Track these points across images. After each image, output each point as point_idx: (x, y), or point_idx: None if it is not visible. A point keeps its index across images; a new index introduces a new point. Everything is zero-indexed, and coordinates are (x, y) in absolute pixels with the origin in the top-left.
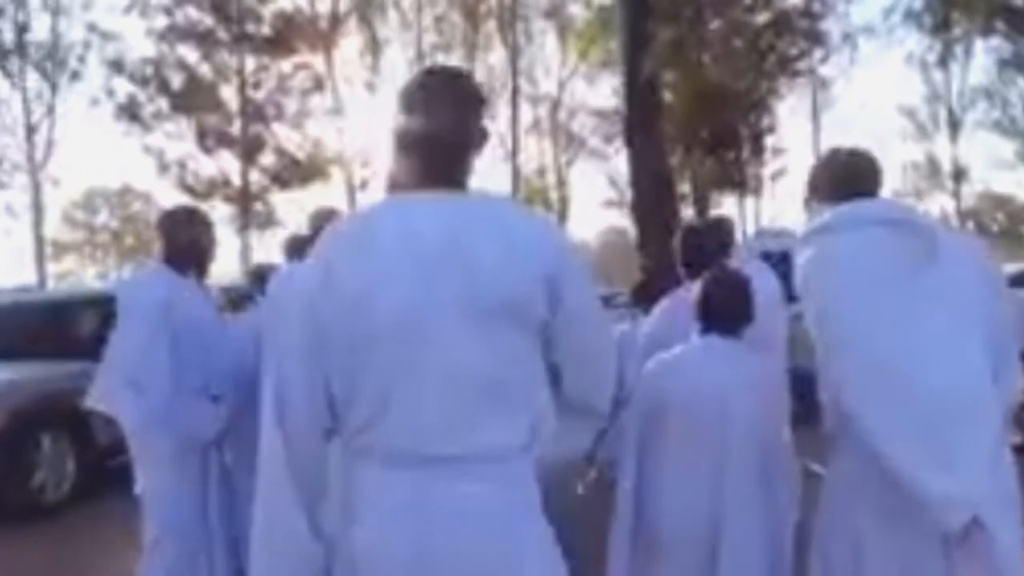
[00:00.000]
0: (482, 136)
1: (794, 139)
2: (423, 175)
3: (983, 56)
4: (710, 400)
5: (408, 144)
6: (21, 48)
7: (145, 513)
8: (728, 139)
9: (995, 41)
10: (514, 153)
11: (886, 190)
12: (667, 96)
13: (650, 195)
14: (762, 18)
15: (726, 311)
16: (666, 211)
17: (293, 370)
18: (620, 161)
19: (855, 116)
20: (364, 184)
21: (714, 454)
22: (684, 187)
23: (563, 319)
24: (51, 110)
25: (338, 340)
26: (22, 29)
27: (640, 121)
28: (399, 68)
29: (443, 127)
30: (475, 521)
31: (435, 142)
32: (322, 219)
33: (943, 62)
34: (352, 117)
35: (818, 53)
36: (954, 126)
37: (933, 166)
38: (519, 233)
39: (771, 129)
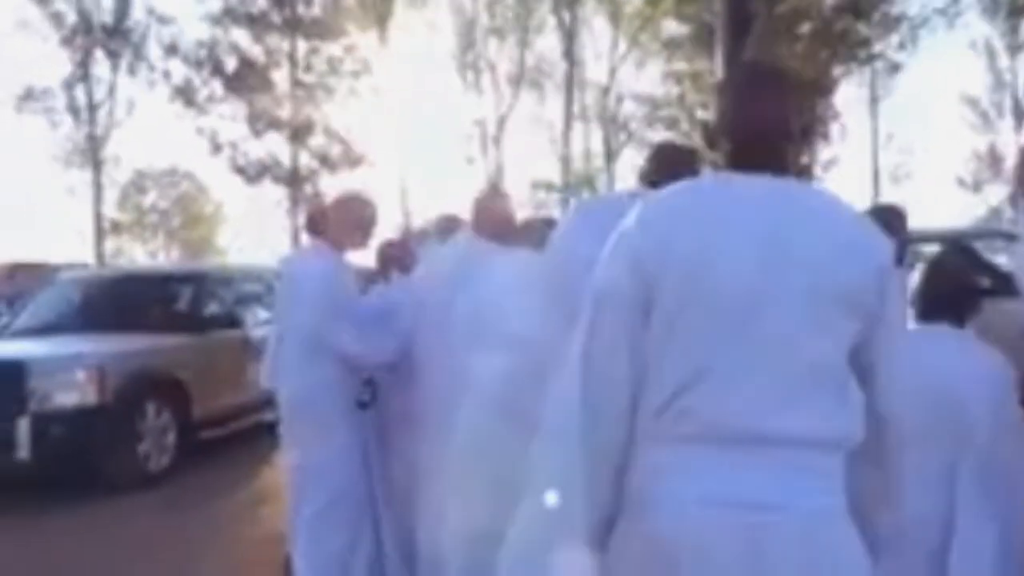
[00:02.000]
0: (801, 132)
1: (850, 128)
2: (750, 164)
3: None
4: (942, 391)
5: (737, 134)
6: (87, 30)
7: (302, 485)
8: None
9: None
10: (567, 139)
11: (948, 179)
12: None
13: None
14: (832, 1)
15: (954, 298)
16: None
17: (610, 327)
18: None
19: (914, 104)
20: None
21: (946, 448)
22: None
23: (884, 317)
24: (112, 91)
25: (665, 303)
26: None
27: None
28: (450, 52)
29: (771, 119)
30: (810, 518)
31: (764, 133)
32: (449, 223)
33: (1014, 49)
34: (400, 101)
35: (893, 38)
36: (1019, 116)
37: (995, 156)
38: (852, 226)
39: (835, 116)
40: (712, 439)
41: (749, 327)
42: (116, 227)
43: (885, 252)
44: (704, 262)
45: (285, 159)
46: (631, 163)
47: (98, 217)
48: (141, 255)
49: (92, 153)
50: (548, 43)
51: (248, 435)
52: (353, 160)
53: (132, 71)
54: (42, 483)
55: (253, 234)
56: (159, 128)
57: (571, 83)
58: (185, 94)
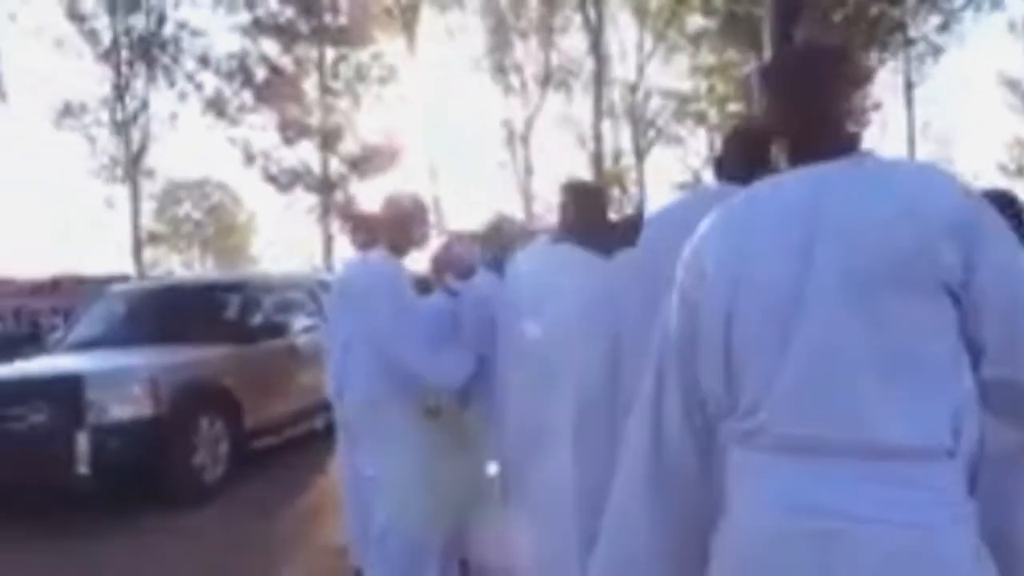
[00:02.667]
0: (862, 111)
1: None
2: (801, 151)
3: None
4: None
5: (787, 122)
6: (129, 45)
7: (370, 497)
8: None
9: None
10: (596, 137)
11: (989, 166)
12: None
13: None
14: None
15: None
16: None
17: (667, 369)
18: (696, 142)
19: (951, 90)
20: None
21: None
22: None
23: (985, 277)
24: (146, 105)
25: (710, 327)
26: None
27: None
28: (477, 55)
29: (827, 102)
30: (894, 534)
31: (818, 118)
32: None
33: None
34: (428, 104)
35: (932, 20)
36: None
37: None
38: (906, 188)
39: (874, 106)
40: (788, 449)
41: (795, 335)
42: (154, 238)
43: (953, 208)
44: (739, 278)
45: (316, 166)
46: (660, 160)
47: (136, 229)
48: (177, 265)
49: (129, 166)
50: (574, 42)
51: (299, 444)
52: (383, 165)
53: (171, 83)
54: (100, 498)
55: (286, 242)
56: (193, 140)
57: (600, 80)
58: (217, 105)
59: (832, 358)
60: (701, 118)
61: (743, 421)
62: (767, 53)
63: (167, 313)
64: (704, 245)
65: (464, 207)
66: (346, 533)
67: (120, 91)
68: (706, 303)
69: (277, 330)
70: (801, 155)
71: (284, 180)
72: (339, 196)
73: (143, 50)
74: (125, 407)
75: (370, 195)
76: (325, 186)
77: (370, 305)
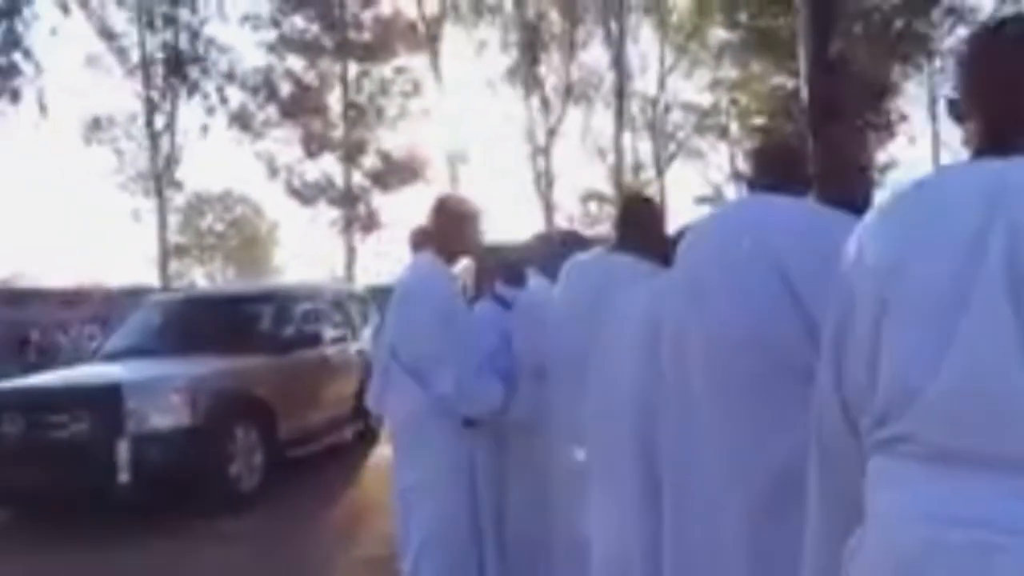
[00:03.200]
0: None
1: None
2: (991, 142)
3: None
4: None
5: (979, 104)
6: (166, 62)
7: (410, 513)
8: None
9: None
10: (617, 150)
11: None
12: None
13: (841, 183)
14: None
15: None
16: (858, 200)
17: (823, 364)
18: (717, 157)
19: None
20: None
21: None
22: None
23: None
24: (174, 120)
25: (861, 316)
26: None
27: (829, 105)
28: (500, 68)
29: None
30: None
31: (1018, 111)
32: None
33: None
34: (453, 117)
35: (960, 31)
36: None
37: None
38: None
39: (901, 119)
40: (941, 460)
41: (954, 336)
42: (179, 250)
43: None
44: (897, 268)
45: (338, 180)
46: (681, 174)
47: (163, 241)
48: (200, 277)
49: (156, 180)
50: (595, 55)
51: (330, 453)
52: (406, 179)
53: (203, 95)
54: (140, 506)
55: (308, 254)
56: (217, 154)
57: (621, 94)
58: (242, 120)
59: (994, 364)
60: (723, 132)
61: (886, 426)
62: (801, 68)
63: (202, 323)
64: (866, 232)
65: (486, 218)
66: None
67: (149, 106)
68: (860, 290)
69: (309, 340)
70: (990, 146)
71: (307, 193)
72: (361, 209)
73: (172, 66)
74: (164, 416)
75: (392, 209)
76: (348, 199)
77: (409, 312)
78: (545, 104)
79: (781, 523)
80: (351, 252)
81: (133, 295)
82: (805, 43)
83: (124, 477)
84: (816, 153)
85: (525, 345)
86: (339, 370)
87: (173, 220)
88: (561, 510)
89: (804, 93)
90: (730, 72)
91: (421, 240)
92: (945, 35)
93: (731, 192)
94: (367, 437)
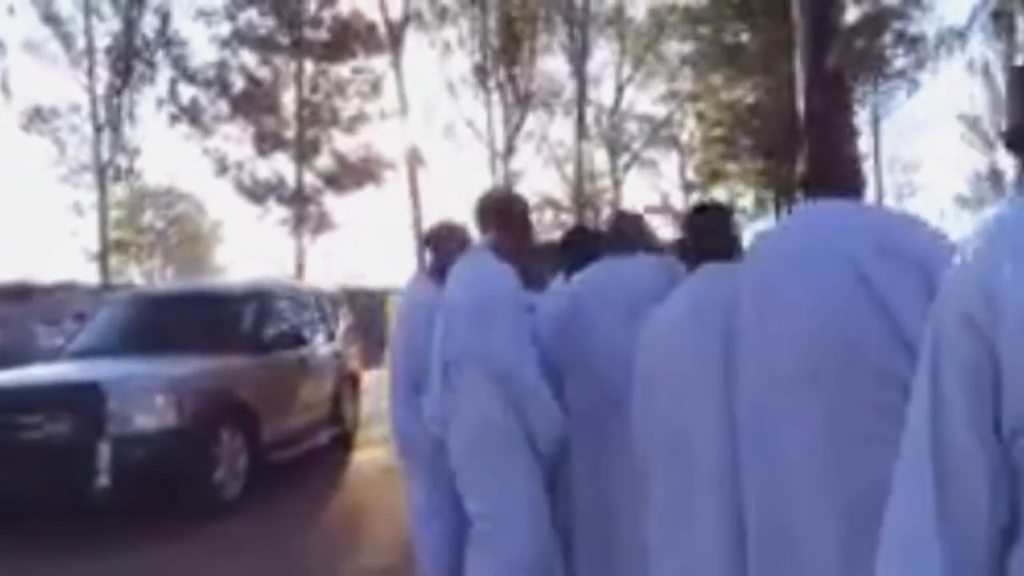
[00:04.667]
0: None
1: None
2: None
3: None
4: None
5: None
6: (92, 50)
7: (477, 544)
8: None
9: None
10: (579, 159)
11: (949, 198)
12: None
13: (838, 192)
14: (851, 17)
15: None
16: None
17: (949, 391)
18: (667, 166)
19: (913, 124)
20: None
21: None
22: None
23: None
24: (118, 110)
25: (1011, 365)
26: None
27: (825, 116)
28: (462, 72)
29: None
30: None
31: None
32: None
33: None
34: (412, 120)
35: (909, 57)
36: None
37: (996, 174)
38: None
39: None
40: None
41: None
42: (120, 246)
43: None
44: None
45: (290, 179)
46: (634, 183)
47: (105, 236)
48: (136, 275)
49: (99, 173)
50: (555, 64)
51: (310, 458)
52: (360, 180)
53: (152, 85)
54: (120, 512)
55: (253, 253)
56: (161, 148)
57: (582, 103)
58: (191, 114)
59: None
60: (674, 142)
61: None
62: (798, 79)
63: (180, 321)
64: (991, 270)
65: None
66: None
67: (95, 97)
68: (1004, 337)
69: (290, 341)
70: None
71: (258, 192)
72: (313, 210)
73: (119, 56)
74: (148, 417)
75: (344, 210)
76: (299, 199)
77: (486, 322)
78: (506, 110)
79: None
80: (301, 252)
81: (68, 291)
82: (803, 55)
83: (104, 481)
84: (810, 164)
85: (553, 352)
86: (318, 372)
87: (112, 216)
88: (626, 516)
89: (800, 104)
90: (686, 84)
91: (446, 238)
92: (892, 58)
93: (679, 201)
94: (343, 441)
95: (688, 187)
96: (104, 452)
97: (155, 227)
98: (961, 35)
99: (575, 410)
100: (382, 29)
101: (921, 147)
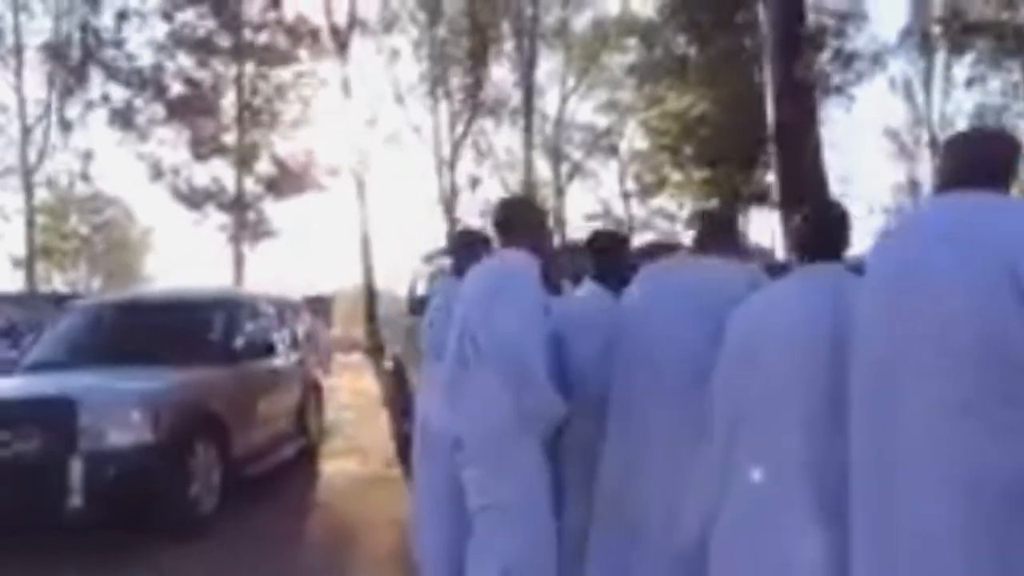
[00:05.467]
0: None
1: None
2: None
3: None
4: None
5: None
6: (19, 50)
7: (491, 533)
8: (756, 157)
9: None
10: (528, 169)
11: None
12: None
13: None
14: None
15: None
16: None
17: None
18: (607, 175)
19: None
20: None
21: None
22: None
23: None
24: (48, 112)
25: None
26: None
27: (795, 124)
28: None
29: None
30: None
31: None
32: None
33: (927, 85)
34: (357, 126)
35: (847, 73)
36: (936, 148)
37: (915, 185)
38: None
39: None
40: None
41: None
42: (46, 252)
43: None
44: None
45: (230, 185)
46: (575, 192)
47: (31, 242)
48: (60, 284)
49: (25, 176)
50: (503, 72)
51: (278, 471)
52: (300, 186)
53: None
54: (91, 533)
55: (187, 261)
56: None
57: (530, 111)
58: (123, 116)
59: None
60: (614, 151)
61: None
62: (768, 89)
63: (146, 331)
64: None
65: (391, 230)
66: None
67: (22, 98)
68: None
69: (259, 350)
70: None
71: (195, 198)
72: (252, 216)
73: (49, 56)
74: (123, 433)
75: (285, 216)
76: (239, 205)
77: (499, 307)
78: (453, 116)
79: (1007, 546)
80: (240, 260)
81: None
82: (772, 66)
83: (76, 501)
84: (780, 171)
85: (581, 355)
86: (285, 382)
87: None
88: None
89: (770, 113)
90: (628, 95)
91: (469, 242)
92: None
93: (619, 209)
94: (309, 453)
95: (627, 196)
96: (76, 470)
97: (79, 233)
98: (895, 53)
99: (617, 398)
100: (326, 34)
101: (851, 159)
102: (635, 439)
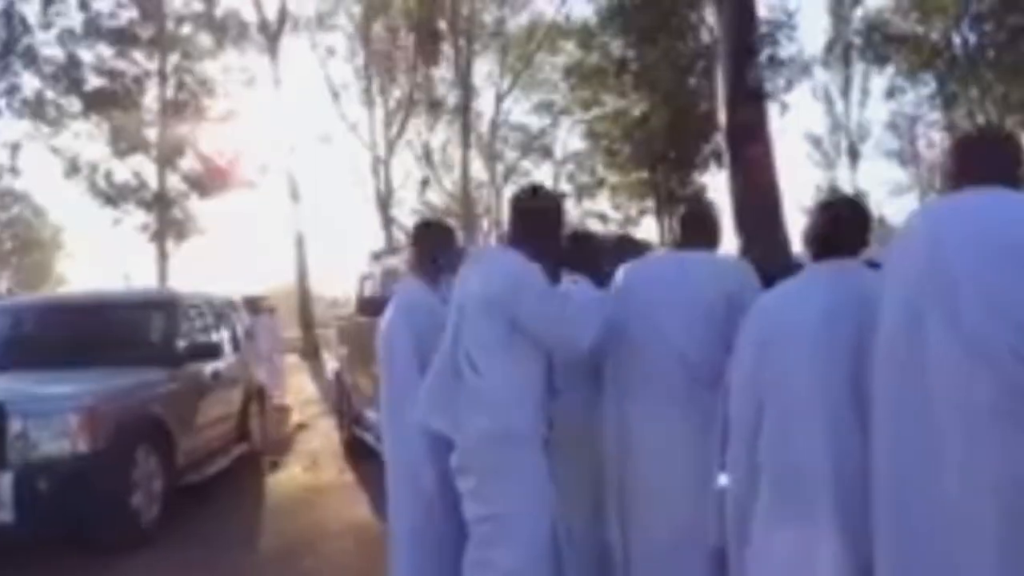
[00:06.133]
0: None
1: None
2: None
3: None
4: None
5: None
6: None
7: (490, 543)
8: (691, 159)
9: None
10: (465, 170)
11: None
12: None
13: (755, 208)
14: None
15: None
16: (772, 224)
17: None
18: (540, 175)
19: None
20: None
21: None
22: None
23: None
24: None
25: None
26: None
27: (747, 130)
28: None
29: None
30: None
31: None
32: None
33: (846, 94)
34: (289, 123)
35: (779, 80)
36: (854, 155)
37: (834, 190)
38: None
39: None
40: None
41: None
42: None
43: None
44: None
45: (152, 182)
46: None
47: None
48: None
49: None
50: (439, 72)
51: (220, 479)
52: (223, 184)
53: None
54: (22, 549)
55: (103, 261)
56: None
57: (468, 113)
58: (33, 108)
59: None
60: (547, 153)
61: None
62: (720, 94)
63: (81, 332)
64: None
65: (324, 230)
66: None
67: None
68: None
69: (203, 352)
70: None
71: (114, 195)
72: (177, 214)
73: None
74: (58, 441)
75: (211, 215)
76: (160, 203)
77: (518, 299)
78: (388, 115)
79: None
80: (163, 259)
81: None
82: (725, 72)
83: (6, 516)
84: (734, 174)
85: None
86: (227, 385)
87: None
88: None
89: (721, 118)
90: (563, 97)
91: (434, 235)
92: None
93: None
94: (253, 460)
95: (561, 196)
96: (5, 484)
97: None
98: (827, 61)
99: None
100: (256, 30)
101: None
102: (629, 430)
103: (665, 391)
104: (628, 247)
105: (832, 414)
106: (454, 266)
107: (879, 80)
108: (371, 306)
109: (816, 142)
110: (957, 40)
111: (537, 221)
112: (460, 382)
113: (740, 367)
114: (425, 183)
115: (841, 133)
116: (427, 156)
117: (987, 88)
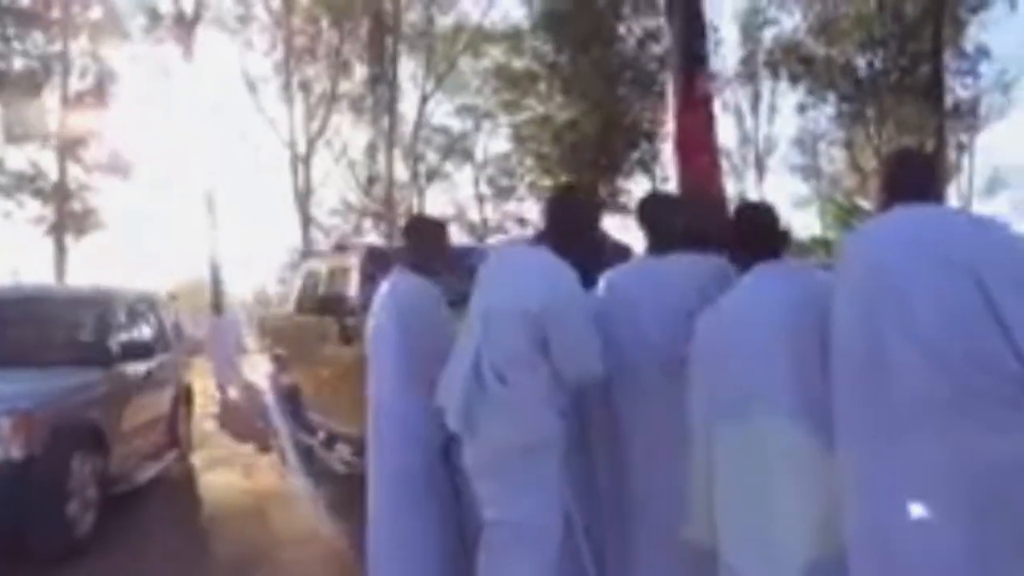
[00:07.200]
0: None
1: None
2: None
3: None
4: None
5: None
6: None
7: (503, 549)
8: (620, 165)
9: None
10: (390, 171)
11: None
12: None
13: (710, 212)
14: (656, 50)
15: None
16: (726, 229)
17: None
18: (461, 178)
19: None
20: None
21: None
22: None
23: None
24: None
25: None
26: None
27: (695, 140)
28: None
29: None
30: None
31: None
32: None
33: (755, 110)
34: (205, 117)
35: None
36: (761, 167)
37: (743, 200)
38: None
39: (654, 158)
40: None
41: None
42: None
43: None
44: None
45: (51, 172)
46: (434, 195)
47: None
48: None
49: None
50: (362, 70)
51: (153, 486)
52: (135, 175)
53: None
54: None
55: None
56: None
57: (393, 111)
58: None
59: None
60: (467, 156)
61: None
62: (670, 103)
63: (10, 330)
64: None
65: (241, 226)
66: None
67: None
68: None
69: (138, 351)
70: None
71: (8, 186)
72: (77, 207)
73: None
74: None
75: (114, 208)
76: (60, 194)
77: (558, 324)
78: (309, 112)
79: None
80: (61, 253)
81: None
82: (675, 80)
83: None
84: (682, 183)
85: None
86: (160, 387)
87: None
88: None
89: (671, 127)
90: (488, 100)
91: (426, 230)
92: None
93: (475, 213)
94: (183, 466)
95: (481, 199)
96: None
97: None
98: (753, 75)
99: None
100: (168, 19)
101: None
102: (617, 435)
103: (652, 399)
104: (612, 251)
105: (801, 407)
106: (448, 262)
107: (786, 98)
108: (325, 304)
109: (726, 154)
110: (861, 63)
111: (575, 221)
112: (483, 389)
113: (696, 367)
114: (371, 182)
115: (750, 146)
116: (346, 155)
117: (889, 109)
